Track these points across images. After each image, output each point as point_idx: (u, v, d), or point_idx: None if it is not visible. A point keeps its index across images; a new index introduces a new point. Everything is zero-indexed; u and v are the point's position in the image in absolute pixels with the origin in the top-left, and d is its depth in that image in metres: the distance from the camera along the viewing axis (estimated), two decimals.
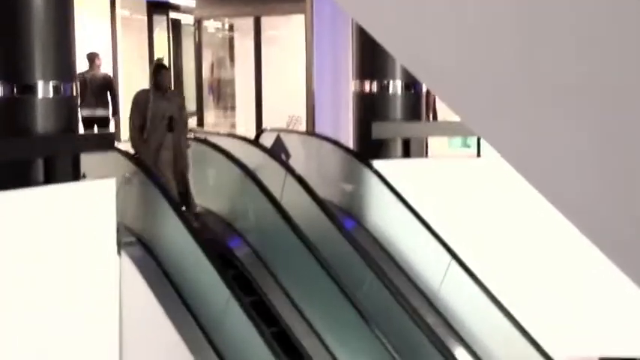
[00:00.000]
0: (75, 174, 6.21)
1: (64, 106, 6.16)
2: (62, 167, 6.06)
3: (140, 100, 7.35)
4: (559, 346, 8.15)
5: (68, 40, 6.19)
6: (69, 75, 6.21)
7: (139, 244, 6.43)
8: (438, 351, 6.70)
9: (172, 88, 7.96)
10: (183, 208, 7.17)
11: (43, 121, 6.04)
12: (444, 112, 11.32)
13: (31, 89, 5.98)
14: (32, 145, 6.04)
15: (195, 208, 7.53)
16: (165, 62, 11.04)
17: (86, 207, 6.09)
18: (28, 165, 6.02)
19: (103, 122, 10.38)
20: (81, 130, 10.49)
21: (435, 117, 11.63)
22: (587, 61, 1.49)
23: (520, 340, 7.30)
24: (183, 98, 8.00)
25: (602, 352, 9.25)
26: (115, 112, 10.86)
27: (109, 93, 10.74)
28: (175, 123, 7.33)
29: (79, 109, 10.87)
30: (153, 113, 7.22)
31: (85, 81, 10.62)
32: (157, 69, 7.60)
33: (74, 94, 6.26)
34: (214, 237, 7.20)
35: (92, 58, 10.92)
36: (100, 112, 10.44)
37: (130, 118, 7.38)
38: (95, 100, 10.37)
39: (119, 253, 6.22)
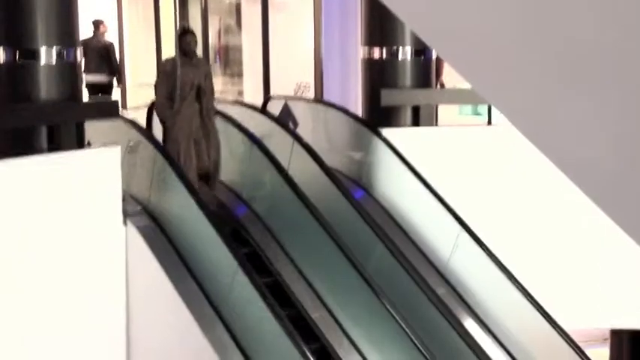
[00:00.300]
0: (79, 142, 6.17)
1: (68, 73, 6.11)
2: (66, 135, 6.02)
3: (166, 69, 7.01)
4: (570, 318, 8.15)
5: (71, 5, 6.14)
6: (72, 41, 6.16)
7: (144, 213, 6.43)
8: (447, 322, 6.70)
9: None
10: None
11: (46, 88, 6.00)
12: (452, 80, 11.25)
13: (34, 55, 5.92)
14: (35, 112, 5.99)
15: (214, 187, 7.16)
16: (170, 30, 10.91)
17: (91, 175, 6.06)
18: (32, 133, 5.98)
19: (106, 88, 10.42)
20: (85, 96, 10.55)
21: (441, 86, 11.56)
22: (602, 24, 1.45)
23: (531, 311, 7.30)
24: (209, 65, 7.64)
25: (614, 324, 9.27)
26: (119, 80, 10.89)
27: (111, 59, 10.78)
28: (202, 92, 7.00)
29: (83, 76, 10.95)
30: (181, 82, 6.87)
31: (88, 47, 10.64)
32: (183, 34, 7.11)
33: (78, 60, 6.22)
34: (221, 206, 7.19)
35: (97, 24, 10.93)
36: (102, 78, 10.47)
37: (156, 87, 7.04)
38: (97, 66, 10.38)
39: (125, 222, 6.20)
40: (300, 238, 6.92)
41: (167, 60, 7.20)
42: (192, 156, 6.91)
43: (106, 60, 10.69)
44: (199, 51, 13.17)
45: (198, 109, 6.93)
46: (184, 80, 6.88)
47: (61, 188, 5.86)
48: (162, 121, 6.94)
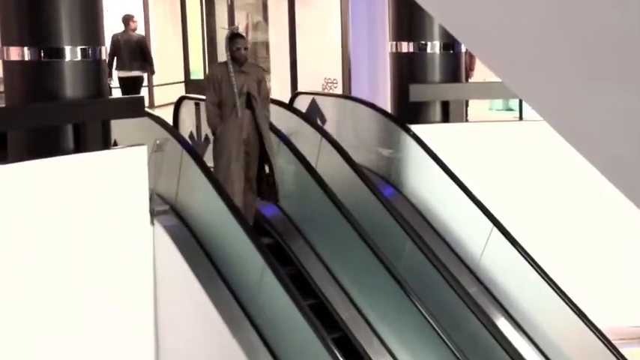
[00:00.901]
0: (105, 141, 6.19)
1: (93, 71, 6.12)
2: (92, 134, 6.02)
3: (215, 76, 6.62)
4: (605, 315, 8.06)
5: (96, 3, 6.17)
6: (97, 38, 6.17)
7: (172, 212, 6.44)
8: (479, 321, 6.65)
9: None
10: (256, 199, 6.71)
11: (71, 86, 6.02)
12: (481, 74, 11.16)
13: (59, 53, 5.95)
14: (61, 111, 6.01)
15: (277, 198, 6.74)
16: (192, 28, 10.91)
17: (117, 175, 6.05)
18: (57, 132, 6.00)
19: (138, 81, 10.57)
20: (118, 92, 10.64)
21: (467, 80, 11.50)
22: (632, 14, 1.42)
23: (564, 309, 7.23)
24: (262, 70, 7.06)
25: None
26: (152, 72, 11.04)
27: (143, 54, 10.92)
28: (253, 99, 6.59)
29: (114, 71, 11.04)
30: (230, 89, 6.53)
31: (119, 42, 10.76)
32: (232, 38, 6.63)
33: (103, 57, 6.25)
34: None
35: (127, 20, 11.11)
36: (134, 73, 10.59)
37: (206, 96, 6.68)
38: (129, 61, 10.50)
39: (152, 222, 6.20)
40: (329, 237, 6.91)
41: (214, 66, 7.01)
42: (242, 166, 6.58)
43: (139, 55, 10.83)
44: (223, 48, 13.19)
45: (250, 117, 6.59)
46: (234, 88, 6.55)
47: (87, 189, 5.88)
48: (212, 130, 6.68)
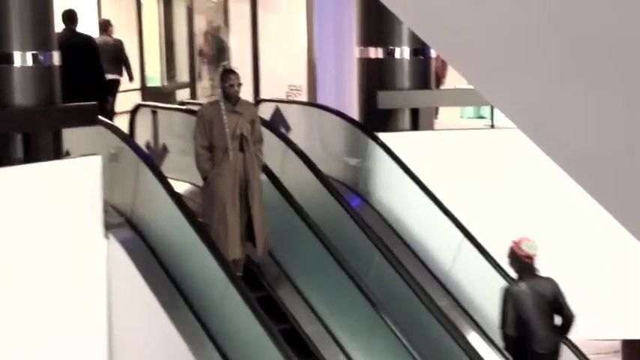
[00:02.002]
0: (57, 151, 6.13)
1: (45, 77, 6.06)
2: (43, 143, 5.98)
3: (206, 116, 6.35)
4: (579, 329, 8.12)
5: (47, 8, 6.11)
6: (49, 43, 6.11)
7: (127, 225, 6.38)
8: (450, 335, 6.66)
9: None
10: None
11: (20, 93, 5.96)
12: (452, 81, 11.23)
13: (8, 58, 5.88)
14: (9, 119, 5.93)
15: (264, 251, 6.51)
16: (146, 31, 10.81)
17: (69, 186, 6.00)
18: (6, 141, 5.93)
19: (114, 84, 10.56)
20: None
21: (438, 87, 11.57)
22: (606, 20, 1.42)
23: None
24: (256, 109, 6.83)
25: (625, 334, 9.25)
26: (130, 77, 11.06)
27: (120, 58, 10.97)
28: (246, 141, 6.34)
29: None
30: (222, 130, 6.26)
31: None
32: (225, 74, 6.38)
33: (55, 63, 6.18)
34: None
35: (104, 25, 11.29)
36: (111, 76, 10.58)
37: (195, 138, 6.39)
38: (106, 65, 10.50)
39: (106, 235, 6.15)
40: (294, 250, 6.89)
41: (206, 105, 6.62)
42: (238, 214, 6.30)
43: (117, 59, 10.88)
44: (183, 54, 13.15)
45: (242, 160, 6.34)
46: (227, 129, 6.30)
47: (37, 201, 5.81)
48: (202, 175, 6.40)
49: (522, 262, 6.29)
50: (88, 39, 9.28)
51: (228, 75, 6.38)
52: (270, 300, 6.59)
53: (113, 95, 10.30)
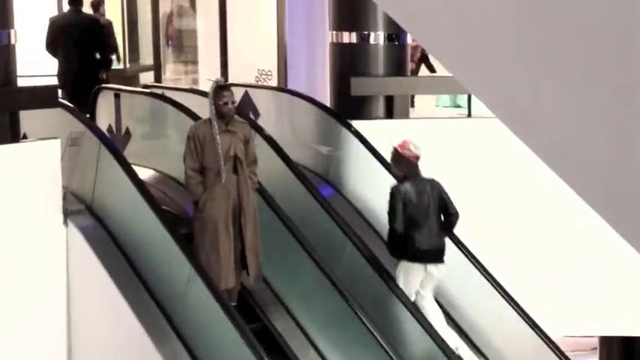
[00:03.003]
0: (14, 133, 6.08)
1: (0, 56, 6.03)
2: None
3: (197, 137, 6.14)
4: (558, 325, 8.22)
5: None
6: (6, 21, 6.06)
7: (87, 212, 6.36)
8: (425, 332, 6.70)
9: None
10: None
11: None
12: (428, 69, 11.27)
13: None
14: None
15: (258, 278, 6.36)
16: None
17: (27, 171, 5.97)
18: None
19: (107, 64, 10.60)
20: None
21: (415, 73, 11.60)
22: (588, 8, 1.44)
23: (516, 319, 7.34)
24: (249, 128, 6.54)
25: (603, 331, 9.37)
26: (118, 58, 11.09)
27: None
28: (240, 162, 6.18)
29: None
30: (214, 151, 6.08)
31: None
32: (218, 91, 6.14)
33: (12, 42, 6.13)
34: (172, 204, 7.14)
35: (96, 5, 11.53)
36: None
37: (184, 159, 6.20)
38: None
39: (65, 222, 6.13)
40: (263, 240, 6.89)
41: (197, 124, 6.34)
42: (232, 241, 6.14)
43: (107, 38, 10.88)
44: (147, 36, 13.04)
45: (236, 183, 6.16)
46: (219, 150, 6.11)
47: None
48: (193, 201, 6.23)
49: (409, 162, 6.79)
50: (93, 20, 10.00)
51: (221, 92, 6.14)
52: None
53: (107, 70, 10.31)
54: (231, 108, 6.19)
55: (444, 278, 6.91)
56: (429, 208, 6.73)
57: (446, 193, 6.87)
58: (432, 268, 6.74)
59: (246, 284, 6.46)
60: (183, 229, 6.36)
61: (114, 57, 11.17)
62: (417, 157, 6.79)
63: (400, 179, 6.85)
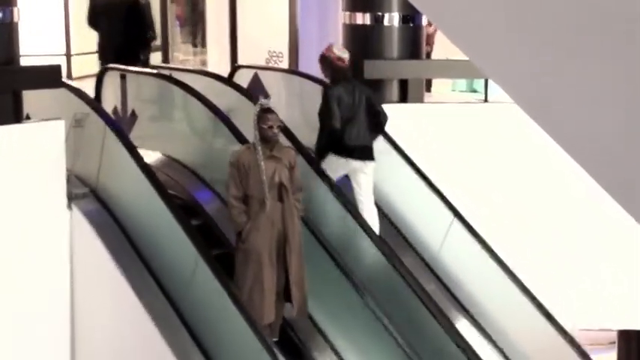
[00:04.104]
0: (16, 114, 6.08)
1: (3, 34, 6.02)
2: (1, 106, 5.91)
3: (241, 164, 5.97)
4: (575, 318, 8.20)
5: None
6: None
7: (92, 196, 6.36)
8: (437, 322, 6.71)
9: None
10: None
11: None
12: (443, 51, 11.18)
13: None
14: None
15: (303, 313, 6.19)
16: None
17: (30, 153, 5.97)
18: None
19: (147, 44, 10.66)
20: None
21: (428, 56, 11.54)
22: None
23: (531, 310, 7.34)
24: (294, 153, 6.38)
25: (622, 324, 9.35)
26: (153, 37, 11.12)
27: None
28: (285, 190, 6.02)
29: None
30: (259, 179, 5.92)
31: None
32: (262, 115, 5.95)
33: (15, 20, 6.13)
34: (178, 187, 7.15)
35: None
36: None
37: (227, 188, 6.06)
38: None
39: (69, 206, 6.14)
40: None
41: (241, 150, 6.15)
42: (275, 273, 5.98)
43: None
44: (154, 16, 13.07)
45: (281, 212, 6.01)
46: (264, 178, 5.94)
47: None
48: (236, 231, 6.06)
49: (335, 65, 7.20)
50: (134, 0, 10.12)
51: (266, 115, 5.95)
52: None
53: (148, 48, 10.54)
54: (277, 132, 6.02)
55: (372, 176, 7.35)
56: (359, 108, 7.21)
57: (374, 96, 7.45)
58: (359, 164, 7.22)
59: (287, 317, 6.32)
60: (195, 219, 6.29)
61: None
62: (342, 60, 7.22)
63: (333, 82, 7.28)
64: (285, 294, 6.05)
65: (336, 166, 7.20)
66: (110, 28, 9.92)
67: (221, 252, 6.58)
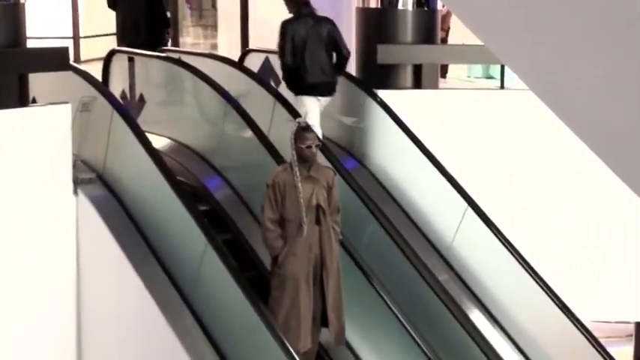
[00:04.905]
0: (22, 97, 6.07)
1: (9, 16, 6.01)
2: (7, 89, 5.89)
3: (278, 185, 5.80)
4: (591, 310, 8.19)
5: None
6: None
7: (99, 181, 6.36)
8: (450, 313, 6.71)
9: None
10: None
11: None
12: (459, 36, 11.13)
13: None
14: None
15: (341, 340, 6.03)
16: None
17: (36, 137, 5.95)
18: None
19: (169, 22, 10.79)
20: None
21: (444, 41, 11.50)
22: None
23: (546, 302, 7.33)
24: (332, 173, 6.12)
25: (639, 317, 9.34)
26: (168, 23, 11.17)
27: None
28: (322, 212, 5.84)
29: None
30: (296, 201, 5.76)
31: None
32: (300, 133, 5.77)
33: (22, 0, 6.12)
34: (187, 174, 7.16)
35: None
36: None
37: (263, 210, 5.87)
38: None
39: (76, 192, 6.14)
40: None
41: (277, 171, 5.97)
42: (312, 298, 5.83)
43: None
44: None
45: (318, 235, 5.84)
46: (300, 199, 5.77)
47: (0, 152, 5.80)
48: (272, 255, 5.89)
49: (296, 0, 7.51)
50: None
51: (303, 134, 5.76)
52: (243, 250, 6.60)
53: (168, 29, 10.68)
54: (315, 152, 5.85)
55: (325, 103, 7.73)
56: (319, 44, 7.49)
57: (338, 33, 7.64)
58: (323, 100, 7.62)
59: (323, 343, 6.25)
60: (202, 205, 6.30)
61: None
62: None
63: (294, 16, 7.57)
64: (322, 319, 5.92)
65: (306, 107, 7.49)
66: (130, 10, 9.94)
67: (229, 237, 6.59)
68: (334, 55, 7.63)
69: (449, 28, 11.86)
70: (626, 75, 1.49)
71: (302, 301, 5.76)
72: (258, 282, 6.16)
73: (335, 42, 7.57)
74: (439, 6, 8.82)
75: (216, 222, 6.60)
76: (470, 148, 8.26)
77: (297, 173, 5.74)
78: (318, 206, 5.80)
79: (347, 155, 8.12)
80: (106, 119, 6.36)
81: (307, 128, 5.84)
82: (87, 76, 6.55)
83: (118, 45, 9.37)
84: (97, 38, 11.21)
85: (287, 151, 6.02)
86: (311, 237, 5.79)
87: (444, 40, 11.54)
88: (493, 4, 1.63)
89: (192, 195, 6.50)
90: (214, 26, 13.42)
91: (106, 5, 10.09)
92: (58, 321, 6.16)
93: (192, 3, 13.78)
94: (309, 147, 5.76)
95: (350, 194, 7.08)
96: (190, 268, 5.97)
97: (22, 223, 5.92)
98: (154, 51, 8.44)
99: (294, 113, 7.31)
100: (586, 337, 7.22)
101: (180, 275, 5.99)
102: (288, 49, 7.42)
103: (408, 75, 8.70)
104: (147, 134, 6.39)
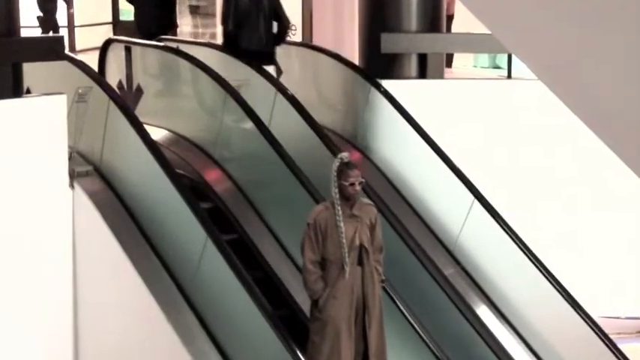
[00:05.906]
0: (16, 88, 6.06)
1: (1, 4, 6.00)
2: (0, 79, 5.90)
3: (319, 225, 5.61)
4: (601, 305, 8.19)
5: None
6: None
7: (95, 174, 6.36)
8: (456, 308, 6.72)
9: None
10: None
11: None
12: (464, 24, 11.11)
13: None
14: None
15: None
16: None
17: (30, 129, 5.97)
18: None
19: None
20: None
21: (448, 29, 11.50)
22: None
23: (555, 296, 7.33)
24: (375, 210, 5.91)
25: None
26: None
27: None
28: (366, 254, 5.67)
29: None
30: (338, 241, 5.57)
31: None
32: (344, 170, 5.56)
33: None
34: (185, 166, 7.16)
35: None
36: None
37: (303, 251, 5.67)
38: None
39: (72, 185, 6.15)
40: (284, 208, 6.90)
41: (318, 209, 5.74)
42: (353, 342, 5.67)
43: None
44: None
45: (361, 276, 5.66)
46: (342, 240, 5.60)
47: None
48: (312, 298, 5.71)
49: None
50: None
51: (347, 170, 5.54)
52: (246, 249, 6.60)
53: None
54: (359, 189, 5.65)
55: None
56: (260, 14, 7.75)
57: (279, 4, 7.93)
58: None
59: None
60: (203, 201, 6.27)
61: None
62: None
63: None
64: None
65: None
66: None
67: (231, 238, 6.59)
68: (275, 25, 7.94)
69: (453, 14, 11.85)
70: (634, 62, 1.49)
71: (343, 347, 5.61)
72: (290, 321, 6.11)
73: (276, 12, 7.88)
74: None
75: (215, 215, 6.61)
76: (476, 139, 8.25)
77: (340, 212, 5.56)
78: (361, 246, 5.64)
79: (350, 147, 8.11)
80: (103, 110, 6.36)
81: (350, 164, 5.63)
82: (83, 66, 6.55)
83: (139, 36, 9.44)
84: (92, 27, 11.18)
85: (291, 144, 6.01)
86: (353, 279, 5.62)
87: (450, 18, 11.52)
88: None
89: (189, 187, 6.50)
90: (213, 14, 13.40)
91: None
92: (55, 314, 6.17)
93: None
94: (353, 185, 5.55)
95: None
96: (189, 261, 5.98)
97: (17, 218, 5.93)
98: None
99: (297, 106, 7.30)
100: (595, 332, 7.22)
101: (179, 268, 6.00)
102: (230, 15, 7.75)
103: (412, 64, 8.68)
104: (144, 125, 6.39)
